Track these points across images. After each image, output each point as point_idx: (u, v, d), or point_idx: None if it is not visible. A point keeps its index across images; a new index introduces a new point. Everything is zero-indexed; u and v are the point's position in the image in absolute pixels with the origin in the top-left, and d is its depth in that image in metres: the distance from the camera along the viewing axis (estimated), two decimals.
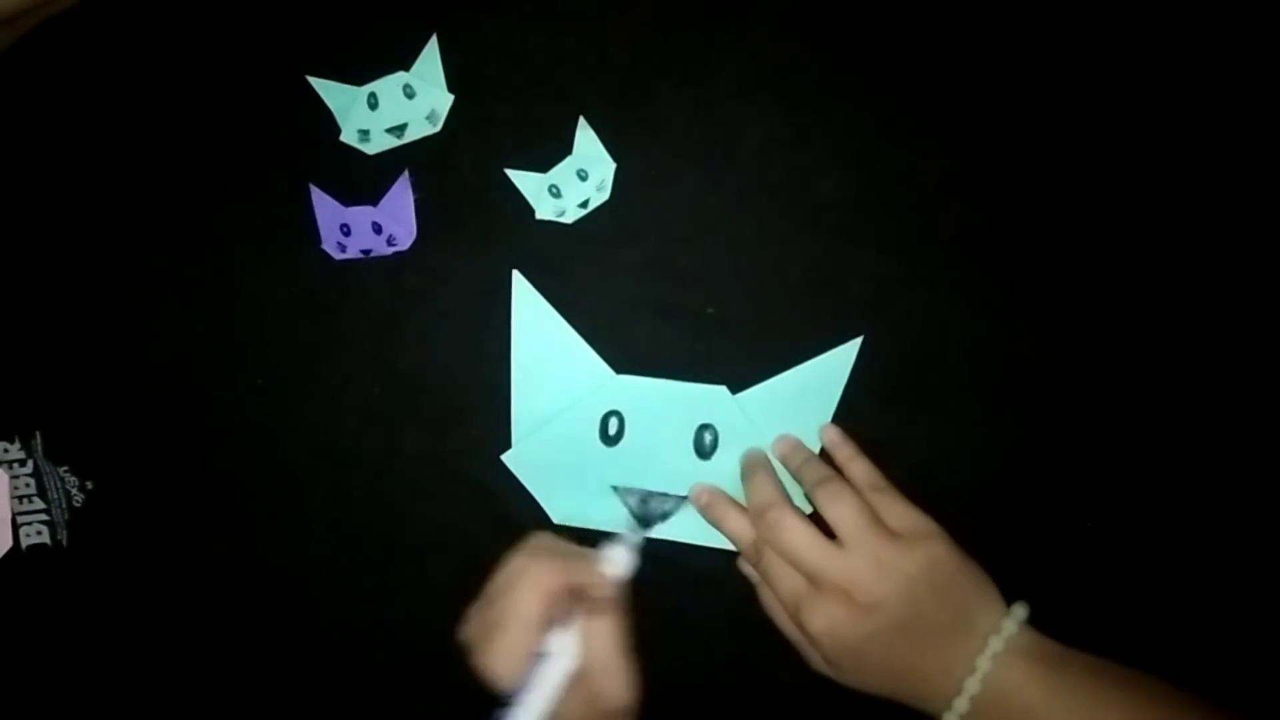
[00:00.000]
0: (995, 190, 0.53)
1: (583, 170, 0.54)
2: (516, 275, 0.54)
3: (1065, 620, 0.51)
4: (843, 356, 0.52)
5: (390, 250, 0.55)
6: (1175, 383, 0.52)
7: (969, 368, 0.53)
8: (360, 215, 0.55)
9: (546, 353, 0.54)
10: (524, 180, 0.54)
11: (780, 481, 0.50)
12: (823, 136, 0.54)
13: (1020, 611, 0.46)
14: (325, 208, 0.55)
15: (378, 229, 0.55)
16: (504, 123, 0.55)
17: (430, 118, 0.55)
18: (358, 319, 0.56)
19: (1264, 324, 0.52)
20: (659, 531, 0.53)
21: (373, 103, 0.55)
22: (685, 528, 0.53)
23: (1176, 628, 0.51)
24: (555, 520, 0.54)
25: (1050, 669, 0.45)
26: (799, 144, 0.54)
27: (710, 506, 0.51)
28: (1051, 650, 0.46)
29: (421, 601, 0.55)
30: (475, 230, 0.55)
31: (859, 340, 0.52)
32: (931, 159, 0.53)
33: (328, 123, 0.55)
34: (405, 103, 0.55)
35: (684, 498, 0.53)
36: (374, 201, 0.55)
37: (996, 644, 0.45)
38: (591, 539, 0.53)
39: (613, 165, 0.54)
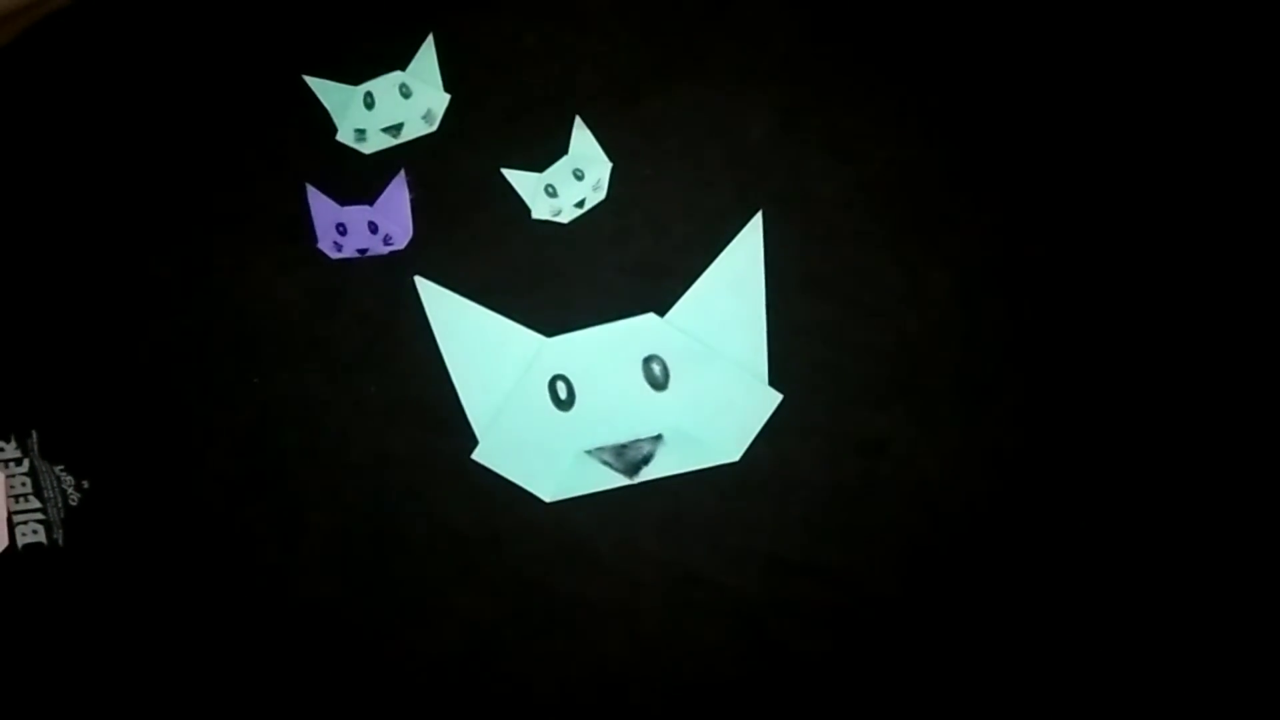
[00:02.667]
0: (996, 191, 0.53)
1: (579, 170, 0.54)
2: (419, 279, 0.54)
3: (1063, 623, 0.52)
4: (750, 237, 0.52)
5: (387, 249, 0.55)
6: (1174, 382, 0.52)
7: (967, 369, 0.53)
8: (356, 214, 0.55)
9: (473, 342, 0.54)
10: (520, 180, 0.54)
11: None
12: (821, 136, 0.54)
13: None
14: (321, 207, 0.55)
15: (374, 228, 0.55)
16: (500, 123, 0.55)
17: (426, 117, 0.55)
18: (353, 318, 0.56)
19: (1265, 325, 0.52)
20: (648, 473, 0.53)
21: (369, 102, 0.55)
22: (670, 461, 0.53)
23: (1174, 631, 0.52)
24: (547, 500, 0.54)
25: None
26: (796, 143, 0.54)
27: None
28: None
29: (418, 601, 0.55)
30: (471, 230, 0.55)
31: (760, 214, 0.52)
32: (931, 158, 0.53)
33: (324, 122, 0.55)
34: (401, 102, 0.55)
35: (658, 436, 0.53)
36: (370, 201, 0.55)
37: None
38: (586, 503, 0.53)
39: (609, 165, 0.54)
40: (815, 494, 0.53)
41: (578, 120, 0.54)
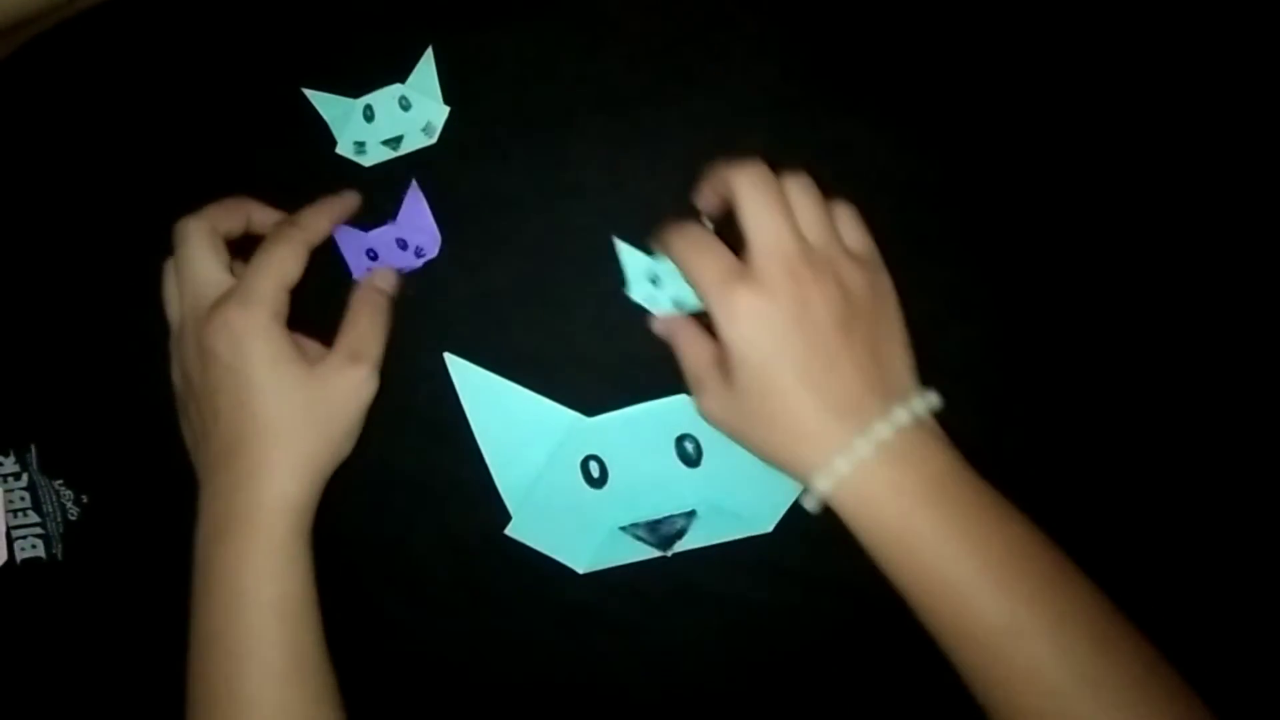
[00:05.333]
0: (994, 200, 0.53)
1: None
2: (449, 356, 0.53)
3: None
4: None
5: (421, 261, 0.54)
6: (1172, 385, 0.52)
7: (965, 375, 0.53)
8: (382, 236, 0.54)
9: (505, 420, 0.53)
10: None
11: None
12: (819, 149, 0.53)
13: (931, 399, 0.43)
14: (347, 238, 0.54)
15: (403, 244, 0.54)
16: (500, 136, 0.55)
17: (426, 130, 0.55)
18: None
19: (1263, 325, 0.52)
20: (681, 546, 0.53)
21: (369, 115, 0.55)
22: (704, 534, 0.53)
23: (1178, 633, 0.51)
24: (581, 571, 0.53)
25: (935, 490, 0.41)
26: (795, 156, 0.53)
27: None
28: (943, 466, 0.42)
29: (420, 618, 0.55)
30: (472, 241, 0.55)
31: None
32: (926, 170, 0.53)
33: (324, 135, 0.55)
34: (401, 115, 0.55)
35: (692, 512, 0.53)
36: (391, 218, 0.54)
37: (884, 430, 0.42)
38: (621, 572, 0.53)
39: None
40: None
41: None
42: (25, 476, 0.56)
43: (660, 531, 0.53)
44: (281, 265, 0.47)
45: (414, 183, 0.54)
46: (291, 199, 0.55)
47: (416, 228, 0.54)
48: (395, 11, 0.55)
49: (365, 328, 0.49)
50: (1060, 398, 0.52)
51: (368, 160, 0.55)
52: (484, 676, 0.55)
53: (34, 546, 0.56)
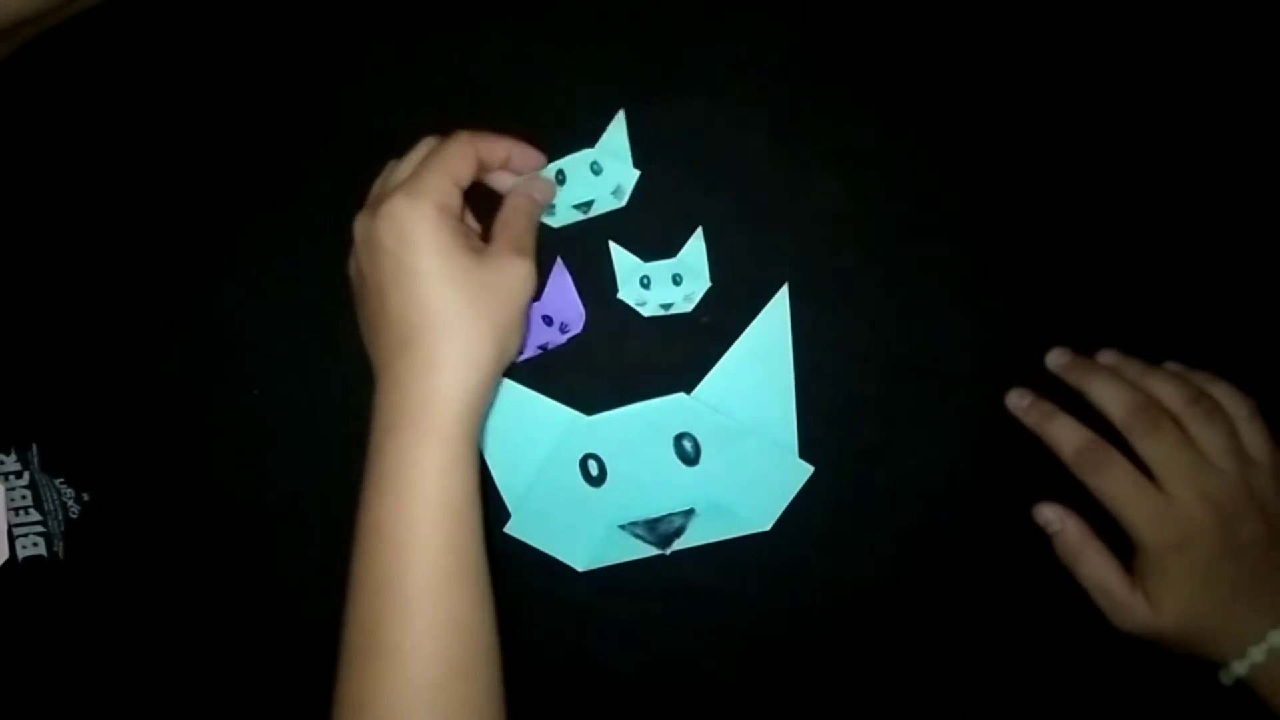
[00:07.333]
0: (994, 196, 0.53)
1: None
2: None
3: (1066, 626, 0.51)
4: (777, 310, 0.52)
5: (565, 337, 0.54)
6: None
7: (965, 373, 0.53)
8: (531, 312, 0.52)
9: (503, 418, 0.53)
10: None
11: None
12: (821, 144, 0.54)
13: None
14: None
15: (549, 320, 0.54)
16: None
17: (616, 193, 0.54)
18: (353, 328, 0.55)
19: (1264, 324, 0.52)
20: (680, 544, 0.53)
21: (561, 179, 0.53)
22: (702, 532, 0.53)
23: None
24: (580, 569, 0.54)
25: None
26: (797, 151, 0.54)
27: (1030, 411, 0.51)
28: None
29: None
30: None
31: (786, 287, 0.52)
32: (930, 165, 0.53)
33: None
34: (592, 179, 0.53)
35: (690, 510, 0.53)
36: (536, 296, 0.52)
37: None
38: (620, 570, 0.53)
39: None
40: (817, 505, 0.53)
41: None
42: (27, 475, 0.56)
43: (659, 530, 0.53)
44: (450, 162, 0.46)
45: (559, 260, 0.53)
46: (294, 197, 0.55)
47: (561, 305, 0.53)
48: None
49: (524, 228, 0.48)
50: (1063, 400, 0.52)
51: (556, 222, 0.54)
52: None
53: (35, 545, 0.56)
